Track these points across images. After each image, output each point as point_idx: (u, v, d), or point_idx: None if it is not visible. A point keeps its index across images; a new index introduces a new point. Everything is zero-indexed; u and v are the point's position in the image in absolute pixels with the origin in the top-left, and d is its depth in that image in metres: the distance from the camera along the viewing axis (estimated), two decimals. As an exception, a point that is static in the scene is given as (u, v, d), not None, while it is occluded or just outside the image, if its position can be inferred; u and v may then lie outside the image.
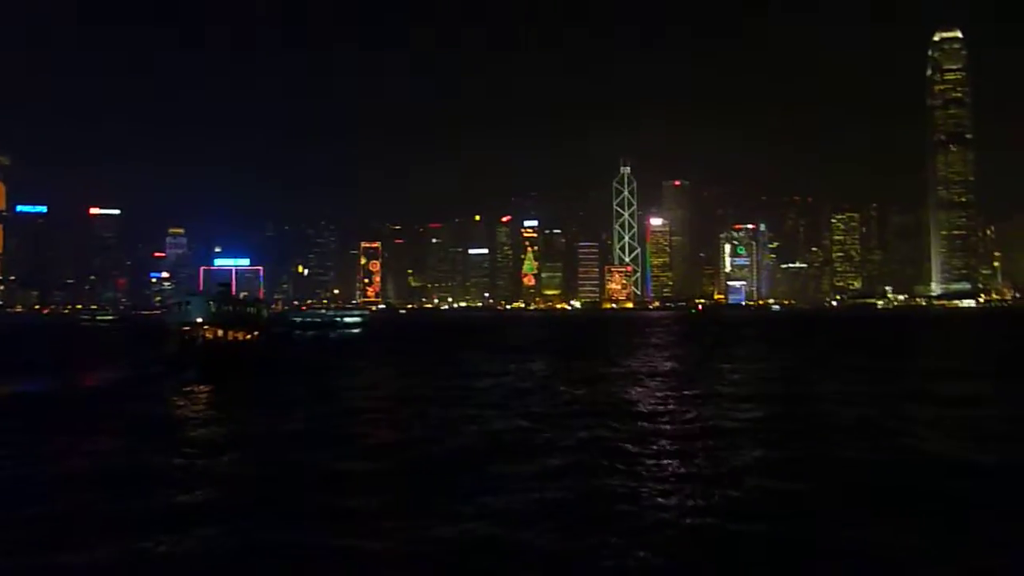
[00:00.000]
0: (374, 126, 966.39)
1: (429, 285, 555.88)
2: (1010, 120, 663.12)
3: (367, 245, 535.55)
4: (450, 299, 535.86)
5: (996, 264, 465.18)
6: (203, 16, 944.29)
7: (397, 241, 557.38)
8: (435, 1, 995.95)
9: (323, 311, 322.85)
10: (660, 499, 19.08)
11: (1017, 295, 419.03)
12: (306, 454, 24.92)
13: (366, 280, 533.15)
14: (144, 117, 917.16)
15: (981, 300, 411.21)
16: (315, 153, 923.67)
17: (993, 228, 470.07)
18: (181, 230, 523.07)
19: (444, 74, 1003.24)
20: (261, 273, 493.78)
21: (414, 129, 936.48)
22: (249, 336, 59.46)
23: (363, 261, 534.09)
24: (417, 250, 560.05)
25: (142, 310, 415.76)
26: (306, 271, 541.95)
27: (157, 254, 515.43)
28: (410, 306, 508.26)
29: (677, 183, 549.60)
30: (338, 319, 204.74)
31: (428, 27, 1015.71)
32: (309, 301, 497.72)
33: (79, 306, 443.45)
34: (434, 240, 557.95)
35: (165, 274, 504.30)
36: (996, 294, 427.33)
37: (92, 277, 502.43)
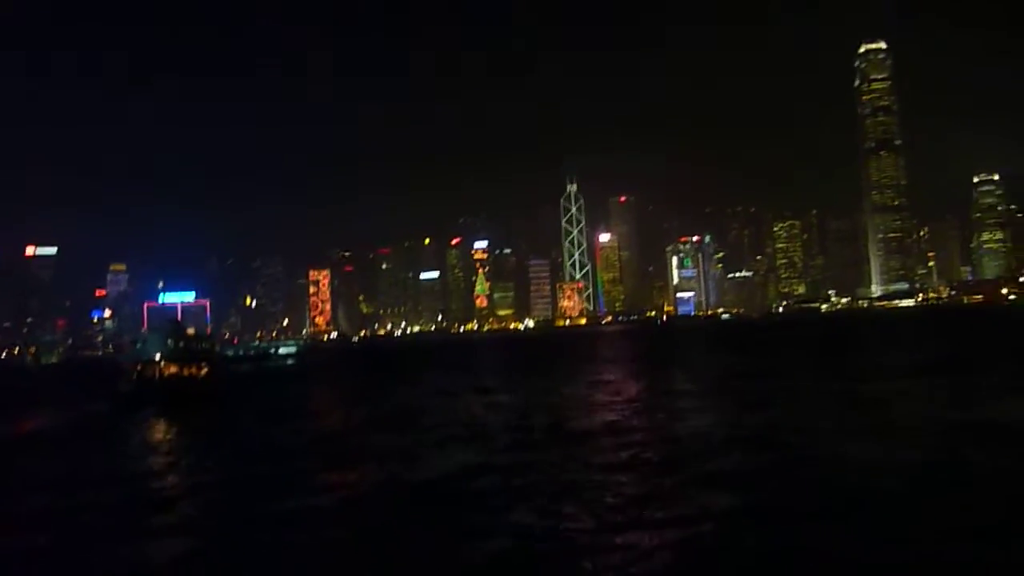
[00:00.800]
0: (319, 153, 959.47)
1: (381, 311, 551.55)
2: (935, 124, 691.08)
3: (315, 273, 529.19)
4: (403, 324, 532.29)
5: (931, 264, 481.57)
6: (154, 52, 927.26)
7: (346, 268, 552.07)
8: (376, 32, 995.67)
9: (256, 344, 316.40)
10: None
11: (953, 292, 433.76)
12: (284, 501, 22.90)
13: (316, 309, 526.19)
14: (79, 153, 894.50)
15: (919, 299, 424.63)
16: (259, 183, 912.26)
17: (927, 229, 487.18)
18: (123, 266, 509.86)
19: (389, 100, 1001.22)
20: (208, 307, 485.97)
21: (360, 155, 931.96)
22: (203, 372, 59.60)
23: (312, 290, 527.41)
24: (367, 276, 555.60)
25: (85, 350, 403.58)
26: (254, 303, 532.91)
27: (98, 292, 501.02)
28: (363, 333, 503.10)
29: (623, 199, 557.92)
30: (272, 351, 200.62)
31: (375, 56, 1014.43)
32: (259, 333, 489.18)
33: (16, 351, 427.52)
34: (384, 265, 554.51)
35: (107, 312, 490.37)
36: (933, 292, 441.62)
37: (29, 320, 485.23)
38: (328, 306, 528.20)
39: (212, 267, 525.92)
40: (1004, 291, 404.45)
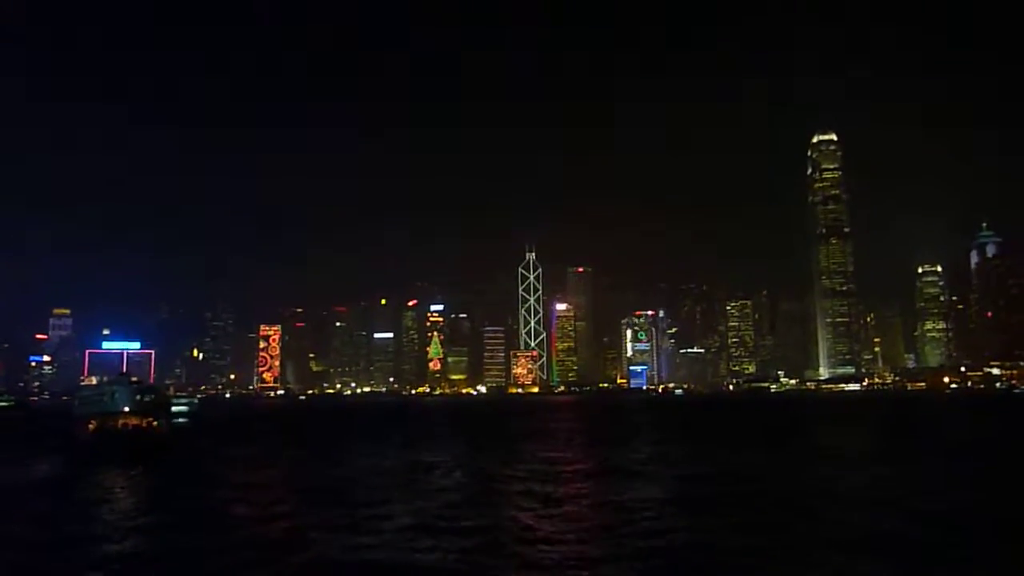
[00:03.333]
0: (278, 208, 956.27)
1: (332, 369, 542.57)
2: (882, 213, 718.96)
3: (266, 328, 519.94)
4: (353, 384, 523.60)
5: (876, 350, 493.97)
6: (87, 95, 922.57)
7: (298, 324, 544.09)
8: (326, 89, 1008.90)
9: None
10: None
11: (896, 379, 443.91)
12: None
13: (264, 364, 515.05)
14: (29, 193, 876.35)
15: (864, 384, 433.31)
16: (214, 235, 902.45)
17: (872, 315, 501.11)
18: (67, 311, 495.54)
19: (345, 161, 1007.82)
20: (152, 357, 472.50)
21: (316, 213, 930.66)
22: (159, 424, 60.03)
23: (262, 345, 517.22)
24: (319, 334, 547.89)
25: (21, 396, 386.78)
26: (201, 355, 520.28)
27: (39, 336, 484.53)
28: (311, 391, 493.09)
29: (580, 270, 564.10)
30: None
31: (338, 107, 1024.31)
32: (203, 387, 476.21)
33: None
34: (338, 323, 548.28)
35: (47, 358, 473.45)
36: (877, 378, 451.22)
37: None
38: (277, 362, 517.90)
39: (161, 315, 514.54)
40: (946, 379, 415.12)
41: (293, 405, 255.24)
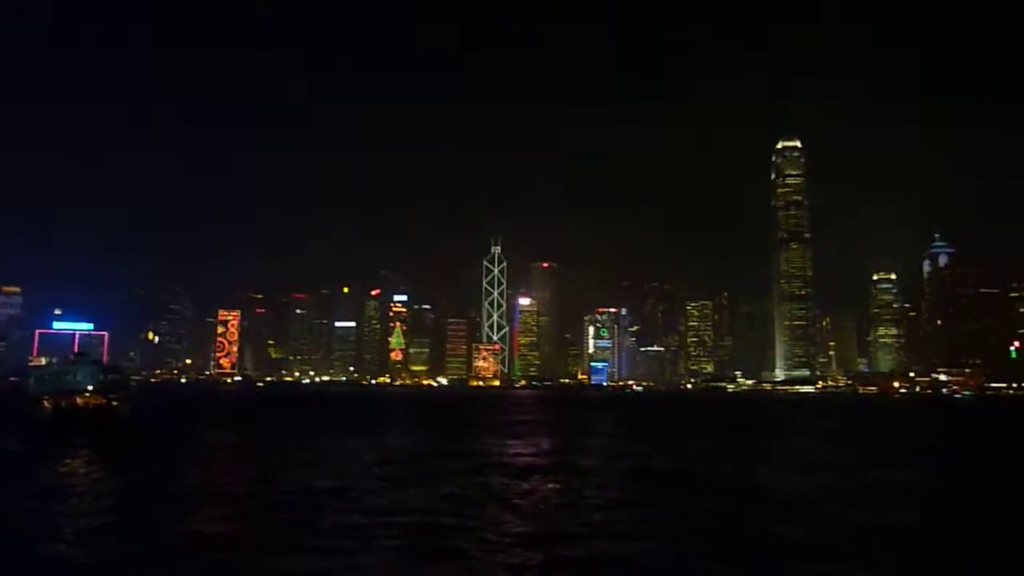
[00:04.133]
0: (243, 195, 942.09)
1: (291, 357, 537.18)
2: (842, 221, 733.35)
3: (225, 313, 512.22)
4: (312, 372, 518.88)
5: (831, 353, 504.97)
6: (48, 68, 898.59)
7: (258, 311, 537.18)
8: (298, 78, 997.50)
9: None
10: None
11: (849, 382, 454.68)
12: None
13: (222, 350, 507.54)
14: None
15: (818, 386, 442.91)
16: (176, 216, 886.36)
17: (828, 320, 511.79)
18: (16, 289, 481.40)
19: (319, 150, 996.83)
20: (106, 339, 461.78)
21: (282, 197, 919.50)
22: (121, 403, 59.81)
23: (220, 330, 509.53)
24: (279, 321, 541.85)
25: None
26: (157, 338, 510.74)
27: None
28: (269, 379, 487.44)
29: (545, 265, 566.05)
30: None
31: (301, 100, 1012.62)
32: (158, 371, 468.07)
33: None
34: (298, 311, 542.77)
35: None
36: (831, 381, 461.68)
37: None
38: (235, 348, 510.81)
39: (116, 297, 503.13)
40: (896, 384, 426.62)
41: (249, 392, 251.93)
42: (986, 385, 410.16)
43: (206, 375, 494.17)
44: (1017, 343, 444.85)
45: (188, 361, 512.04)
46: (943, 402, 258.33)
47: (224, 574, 18.75)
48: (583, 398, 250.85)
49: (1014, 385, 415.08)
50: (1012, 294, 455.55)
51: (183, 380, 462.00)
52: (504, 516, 26.83)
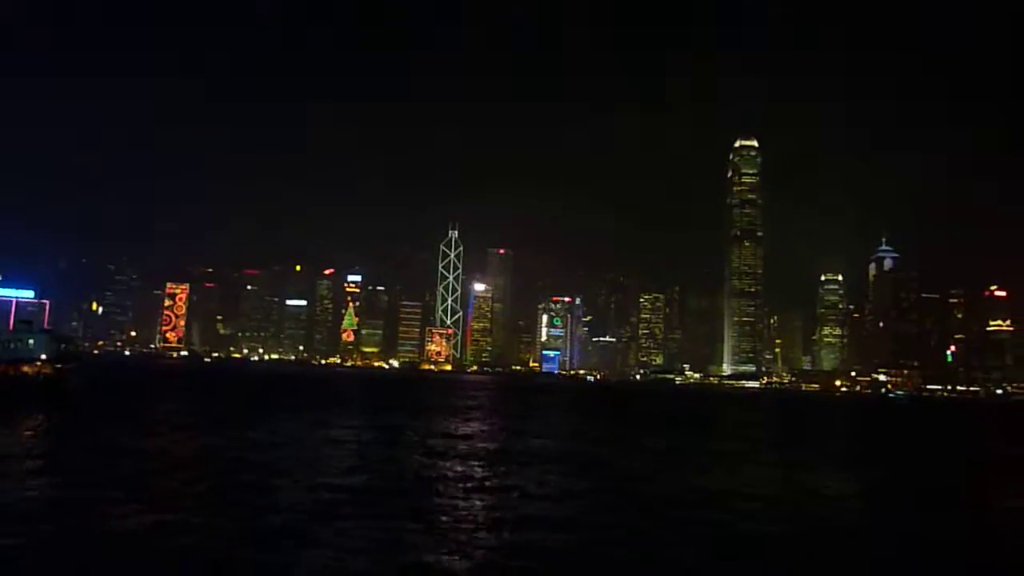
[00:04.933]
0: (199, 169, 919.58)
1: (240, 333, 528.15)
2: (794, 221, 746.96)
3: (173, 287, 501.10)
4: (261, 350, 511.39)
5: (777, 350, 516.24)
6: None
7: (207, 285, 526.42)
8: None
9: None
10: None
11: (793, 379, 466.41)
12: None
13: (168, 324, 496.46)
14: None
15: (763, 382, 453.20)
16: (126, 186, 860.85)
17: (776, 317, 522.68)
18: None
19: (287, 124, 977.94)
20: (47, 307, 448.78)
21: (237, 174, 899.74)
22: (69, 371, 60.48)
23: (167, 303, 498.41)
24: (229, 296, 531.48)
25: None
26: (101, 309, 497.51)
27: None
28: (217, 354, 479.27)
29: (502, 251, 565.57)
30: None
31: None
32: (101, 342, 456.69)
33: None
34: (249, 287, 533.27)
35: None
36: (776, 377, 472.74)
37: None
38: (182, 322, 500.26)
39: (60, 265, 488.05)
40: (837, 383, 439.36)
41: (195, 367, 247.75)
42: (923, 386, 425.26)
43: (151, 348, 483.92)
44: (954, 347, 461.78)
45: (133, 333, 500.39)
46: (879, 401, 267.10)
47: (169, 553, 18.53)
48: (538, 385, 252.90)
49: (949, 387, 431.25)
50: (951, 300, 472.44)
51: (127, 352, 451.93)
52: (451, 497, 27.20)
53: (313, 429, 49.51)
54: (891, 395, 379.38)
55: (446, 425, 58.34)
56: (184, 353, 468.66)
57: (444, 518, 23.31)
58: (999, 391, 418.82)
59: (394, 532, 21.05)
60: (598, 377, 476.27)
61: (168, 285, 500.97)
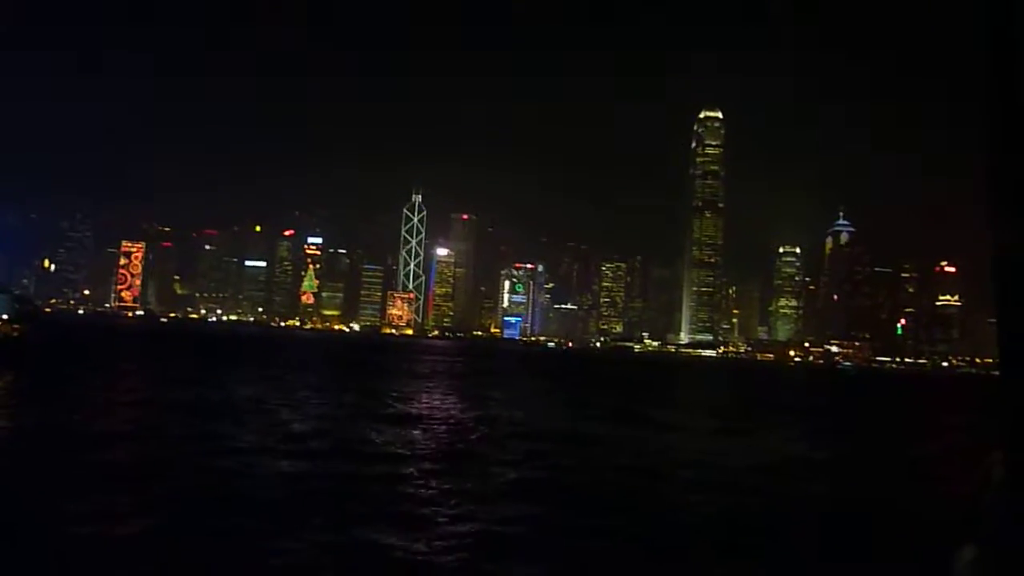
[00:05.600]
0: (158, 125, 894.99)
1: (197, 294, 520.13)
2: (755, 193, 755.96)
3: (129, 245, 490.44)
4: (219, 311, 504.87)
5: (734, 320, 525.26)
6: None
7: (164, 244, 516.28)
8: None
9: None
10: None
11: (748, 349, 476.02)
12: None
13: (124, 283, 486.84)
14: None
15: (720, 351, 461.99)
16: (81, 139, 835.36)
17: (734, 288, 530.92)
18: None
19: (243, 80, 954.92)
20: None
21: (195, 131, 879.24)
22: (26, 333, 61.07)
23: (122, 262, 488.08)
24: (187, 256, 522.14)
25: None
26: (53, 267, 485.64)
27: None
28: (173, 315, 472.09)
29: (465, 217, 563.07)
30: None
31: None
32: (53, 300, 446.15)
33: None
34: (207, 247, 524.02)
35: None
36: (732, 347, 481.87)
37: None
38: (138, 281, 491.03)
39: (9, 221, 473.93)
40: (792, 353, 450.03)
41: (151, 328, 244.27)
42: (873, 358, 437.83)
43: (105, 308, 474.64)
44: (904, 321, 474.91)
45: (86, 292, 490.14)
46: (828, 372, 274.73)
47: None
48: (502, 350, 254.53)
49: (898, 360, 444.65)
50: (903, 274, 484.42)
51: (80, 311, 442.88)
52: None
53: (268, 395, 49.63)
54: (839, 366, 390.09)
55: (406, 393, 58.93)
56: (140, 313, 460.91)
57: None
58: (945, 364, 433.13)
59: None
60: (569, 345, 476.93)
61: (123, 243, 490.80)
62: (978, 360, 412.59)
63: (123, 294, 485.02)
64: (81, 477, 20.64)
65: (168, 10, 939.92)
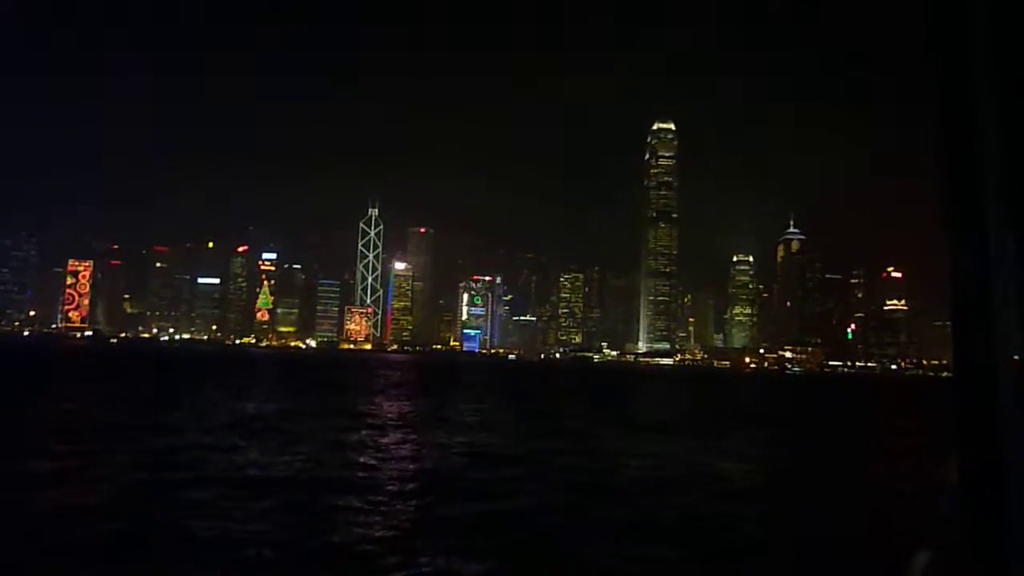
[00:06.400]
0: (94, 140, 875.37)
1: (149, 313, 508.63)
2: (708, 202, 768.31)
3: (76, 264, 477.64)
4: (172, 330, 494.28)
5: (690, 328, 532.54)
6: None
7: (113, 262, 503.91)
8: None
9: None
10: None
11: (705, 356, 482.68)
12: None
13: (71, 302, 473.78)
14: None
15: (677, 359, 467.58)
16: (25, 155, 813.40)
17: (690, 297, 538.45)
18: None
19: (190, 99, 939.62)
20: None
21: (143, 147, 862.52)
22: None
23: (69, 281, 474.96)
24: (137, 274, 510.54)
25: None
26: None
27: None
28: (123, 334, 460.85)
29: (422, 230, 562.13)
30: None
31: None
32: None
33: None
34: (158, 264, 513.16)
35: None
36: (688, 354, 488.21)
37: None
38: (86, 301, 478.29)
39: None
40: (747, 360, 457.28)
41: (100, 348, 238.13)
42: (825, 362, 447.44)
43: (52, 328, 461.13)
44: (854, 325, 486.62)
45: (32, 313, 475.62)
46: (778, 377, 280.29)
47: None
48: (462, 363, 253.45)
49: (849, 363, 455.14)
50: (852, 280, 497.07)
51: (26, 333, 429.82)
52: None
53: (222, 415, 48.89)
54: (787, 371, 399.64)
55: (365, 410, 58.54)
56: (88, 333, 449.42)
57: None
58: (894, 367, 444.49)
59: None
60: (520, 355, 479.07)
61: (70, 262, 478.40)
62: (925, 362, 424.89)
63: (71, 314, 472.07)
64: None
65: (131, 18, 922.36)
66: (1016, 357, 1.93)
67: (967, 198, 2.02)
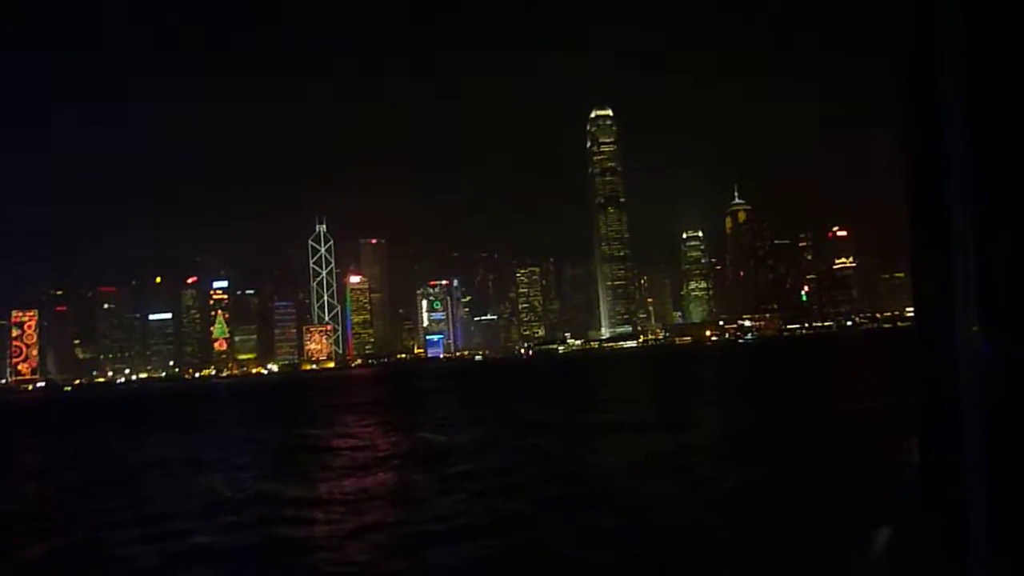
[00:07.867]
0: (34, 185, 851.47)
1: (102, 356, 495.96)
2: (654, 183, 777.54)
3: (20, 315, 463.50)
4: (128, 370, 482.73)
5: (650, 309, 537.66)
6: None
7: (59, 308, 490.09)
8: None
9: None
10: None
11: (667, 334, 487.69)
12: None
13: (19, 355, 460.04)
14: None
15: (640, 341, 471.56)
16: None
17: (646, 278, 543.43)
18: None
19: (117, 126, 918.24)
20: None
21: (81, 187, 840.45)
22: None
23: (15, 333, 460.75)
24: (85, 318, 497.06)
25: None
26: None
27: None
28: (78, 381, 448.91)
29: (374, 241, 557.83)
30: None
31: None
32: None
33: None
34: (106, 305, 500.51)
35: None
36: (651, 334, 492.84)
37: None
38: (35, 351, 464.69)
39: None
40: (708, 333, 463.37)
41: (55, 399, 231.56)
42: (784, 327, 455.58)
43: (3, 383, 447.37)
44: (807, 287, 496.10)
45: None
46: (732, 346, 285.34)
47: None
48: (426, 370, 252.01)
49: (807, 325, 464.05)
50: (801, 244, 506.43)
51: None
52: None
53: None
54: (740, 340, 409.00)
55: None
56: (41, 384, 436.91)
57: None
58: (849, 323, 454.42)
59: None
60: (485, 354, 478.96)
61: (14, 313, 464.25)
62: (879, 315, 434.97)
63: (20, 367, 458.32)
64: None
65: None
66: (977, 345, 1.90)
67: (931, 196, 2.05)
